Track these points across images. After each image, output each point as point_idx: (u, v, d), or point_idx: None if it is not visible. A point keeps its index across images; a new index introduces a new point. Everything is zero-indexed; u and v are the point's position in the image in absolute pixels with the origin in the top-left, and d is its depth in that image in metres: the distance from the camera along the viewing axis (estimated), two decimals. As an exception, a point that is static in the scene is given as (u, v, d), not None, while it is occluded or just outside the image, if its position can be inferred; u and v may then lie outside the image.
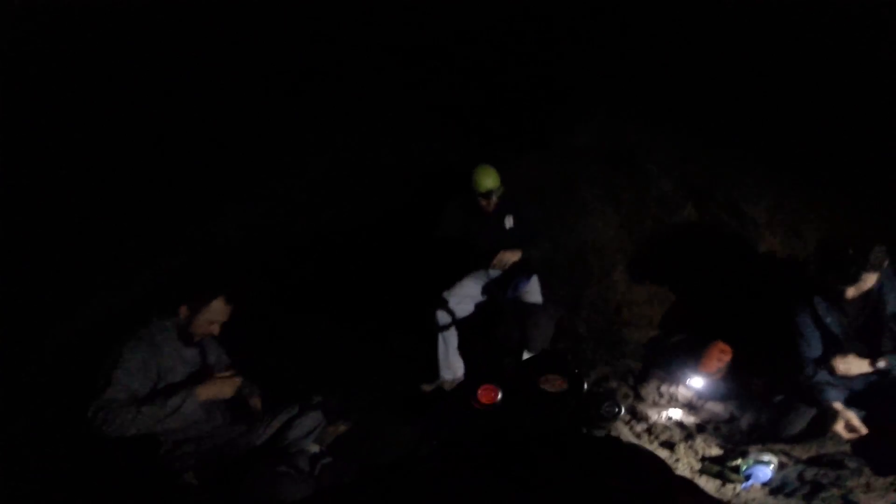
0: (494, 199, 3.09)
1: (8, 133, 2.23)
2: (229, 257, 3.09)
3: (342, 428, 2.67)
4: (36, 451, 2.07)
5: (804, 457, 2.27)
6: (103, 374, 1.90)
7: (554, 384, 1.37)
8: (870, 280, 2.22)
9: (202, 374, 2.16)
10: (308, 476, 2.11)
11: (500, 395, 1.35)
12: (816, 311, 2.42)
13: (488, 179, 3.04)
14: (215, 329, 2.24)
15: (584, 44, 3.16)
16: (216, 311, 2.20)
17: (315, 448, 2.38)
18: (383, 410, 2.90)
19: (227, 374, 2.24)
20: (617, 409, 1.44)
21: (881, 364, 2.26)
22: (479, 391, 1.35)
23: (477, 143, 3.47)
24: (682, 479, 1.62)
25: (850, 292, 2.26)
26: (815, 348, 2.45)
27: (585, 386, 1.43)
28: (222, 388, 2.11)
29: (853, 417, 2.18)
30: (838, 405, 2.24)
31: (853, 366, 2.31)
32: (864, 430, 2.15)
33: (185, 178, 2.69)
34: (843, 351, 2.38)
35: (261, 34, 2.79)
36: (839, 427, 2.18)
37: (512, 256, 3.05)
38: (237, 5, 2.69)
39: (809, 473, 2.10)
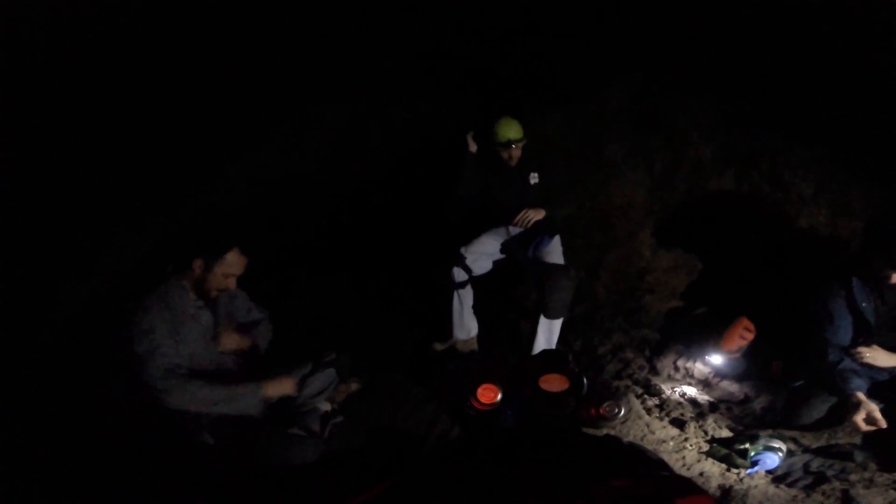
0: (515, 150, 3.04)
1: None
2: (240, 210, 3.13)
3: (354, 386, 2.78)
4: (44, 407, 2.18)
5: (814, 446, 2.31)
6: (145, 340, 1.90)
7: (554, 384, 1.41)
8: None
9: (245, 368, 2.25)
10: (318, 437, 2.23)
11: (499, 395, 1.40)
12: (853, 294, 2.38)
13: (510, 130, 3.00)
14: (231, 283, 2.21)
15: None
16: (231, 264, 2.16)
17: (327, 406, 2.50)
18: (395, 369, 3.01)
19: (231, 330, 2.29)
20: (617, 410, 1.48)
21: None
22: (479, 391, 1.40)
23: (502, 99, 3.35)
24: (682, 479, 1.68)
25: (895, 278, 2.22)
26: (844, 334, 2.42)
27: (585, 386, 1.47)
28: (285, 386, 2.21)
29: (875, 410, 2.19)
30: (861, 395, 2.25)
31: (881, 358, 2.30)
32: (883, 424, 2.16)
33: (193, 128, 2.66)
34: (874, 339, 2.36)
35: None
36: (859, 418, 2.18)
37: (536, 215, 3.02)
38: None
39: (815, 464, 2.15)
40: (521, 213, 3.01)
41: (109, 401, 2.07)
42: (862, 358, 2.32)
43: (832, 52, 2.75)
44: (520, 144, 3.03)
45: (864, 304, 2.37)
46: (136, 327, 1.93)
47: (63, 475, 1.88)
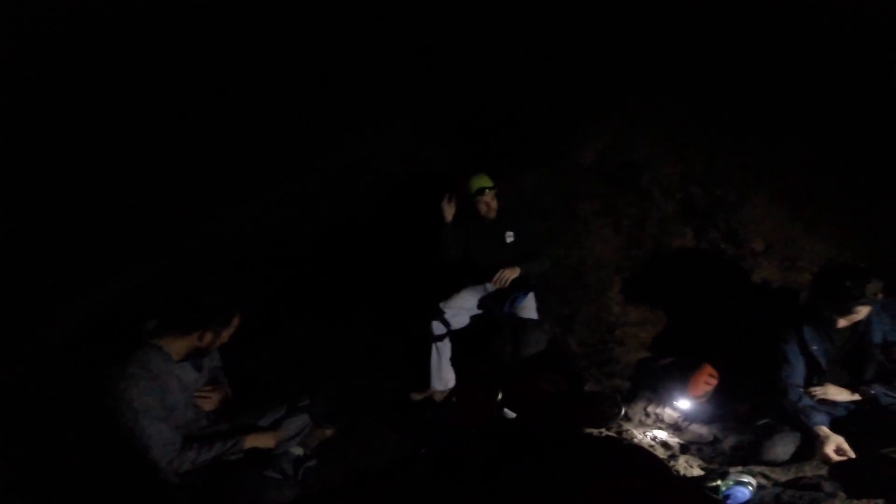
0: (489, 198, 3.32)
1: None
2: (221, 255, 3.22)
3: (328, 432, 2.81)
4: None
5: (783, 479, 2.42)
6: (137, 428, 1.89)
7: (554, 384, 1.53)
8: (862, 312, 2.39)
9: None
10: (292, 480, 2.25)
11: (500, 396, 1.51)
12: (804, 338, 2.61)
13: (479, 181, 3.31)
14: (227, 338, 2.22)
15: (596, 61, 3.40)
16: (235, 325, 2.20)
17: (300, 451, 2.52)
18: (371, 416, 3.04)
19: (209, 389, 2.33)
20: (617, 410, 1.59)
21: (872, 391, 2.45)
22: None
23: (479, 156, 3.68)
24: (679, 479, 1.73)
25: (842, 322, 2.44)
26: (799, 374, 2.63)
27: (585, 386, 1.59)
28: (267, 440, 2.27)
29: (843, 441, 2.34)
30: (826, 429, 2.41)
31: (833, 393, 2.51)
32: (852, 454, 2.31)
33: (178, 176, 2.80)
34: (825, 378, 2.57)
35: (268, 31, 2.96)
36: (829, 450, 2.32)
37: (511, 274, 3.24)
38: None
39: (786, 496, 2.25)
40: (498, 273, 3.23)
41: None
42: (816, 396, 2.52)
43: (781, 110, 3.19)
44: (492, 192, 3.32)
45: (814, 347, 2.60)
46: (127, 406, 1.89)
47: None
